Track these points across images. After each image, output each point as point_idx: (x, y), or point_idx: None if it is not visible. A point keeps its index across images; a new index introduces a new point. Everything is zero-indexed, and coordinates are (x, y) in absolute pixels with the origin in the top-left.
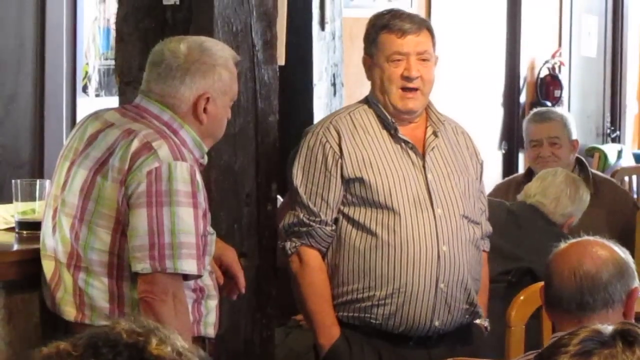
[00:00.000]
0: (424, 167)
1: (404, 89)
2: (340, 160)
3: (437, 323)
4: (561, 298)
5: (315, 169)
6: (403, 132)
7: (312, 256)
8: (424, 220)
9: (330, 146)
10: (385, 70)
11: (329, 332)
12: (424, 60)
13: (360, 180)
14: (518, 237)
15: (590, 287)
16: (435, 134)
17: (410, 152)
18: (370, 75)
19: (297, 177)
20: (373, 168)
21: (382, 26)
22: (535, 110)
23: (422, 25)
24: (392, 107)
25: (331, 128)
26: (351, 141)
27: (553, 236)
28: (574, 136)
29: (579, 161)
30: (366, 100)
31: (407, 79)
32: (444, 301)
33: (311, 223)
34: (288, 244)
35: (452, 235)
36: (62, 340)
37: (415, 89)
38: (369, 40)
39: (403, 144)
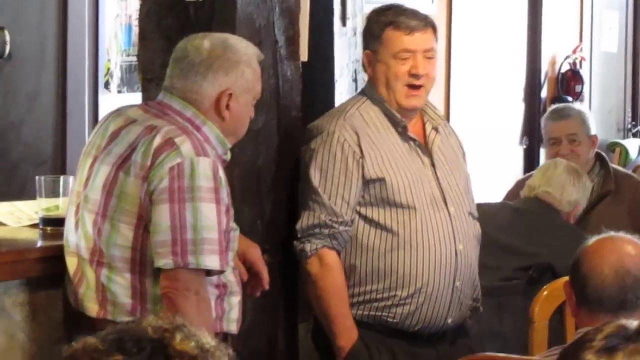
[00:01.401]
0: (432, 165)
1: (410, 86)
2: (361, 161)
3: (449, 320)
4: (602, 297)
5: (335, 169)
6: (410, 129)
7: (332, 258)
8: (441, 219)
9: (349, 145)
10: (391, 67)
11: (349, 334)
12: (429, 57)
13: (382, 181)
14: (527, 233)
15: (634, 285)
16: (436, 129)
17: (418, 150)
18: (372, 71)
19: (315, 178)
20: (393, 168)
21: (387, 22)
22: (552, 107)
23: (428, 22)
24: (397, 104)
25: (347, 127)
26: (368, 141)
27: (564, 229)
28: (593, 132)
29: (599, 157)
30: (365, 95)
31: (415, 76)
32: (457, 299)
33: (334, 225)
34: (308, 246)
35: (465, 233)
36: (90, 336)
37: (420, 86)
38: (372, 36)
39: (411, 142)
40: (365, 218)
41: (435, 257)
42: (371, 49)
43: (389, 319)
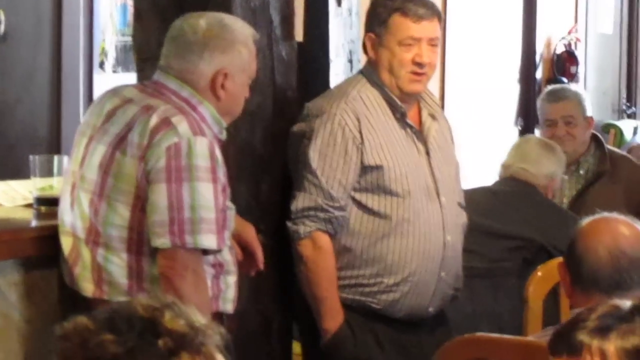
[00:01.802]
0: (427, 153)
1: (414, 72)
2: (361, 146)
3: (431, 309)
4: (596, 277)
5: (334, 153)
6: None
7: (326, 241)
8: (433, 209)
9: (350, 130)
10: (396, 54)
11: (336, 317)
12: (433, 45)
13: (380, 168)
14: (507, 214)
15: (628, 266)
16: (432, 116)
17: (414, 137)
18: (374, 54)
19: (314, 160)
20: (392, 155)
21: (395, 8)
22: (548, 89)
23: (435, 10)
24: (399, 89)
25: (349, 111)
26: (368, 127)
27: (543, 205)
28: (589, 113)
29: (595, 138)
30: (364, 76)
31: (419, 65)
32: (441, 289)
33: (329, 209)
34: (302, 228)
35: (454, 224)
36: (82, 316)
37: (423, 73)
38: (377, 20)
39: (408, 129)
40: (359, 203)
41: (424, 247)
42: (375, 33)
43: (372, 305)
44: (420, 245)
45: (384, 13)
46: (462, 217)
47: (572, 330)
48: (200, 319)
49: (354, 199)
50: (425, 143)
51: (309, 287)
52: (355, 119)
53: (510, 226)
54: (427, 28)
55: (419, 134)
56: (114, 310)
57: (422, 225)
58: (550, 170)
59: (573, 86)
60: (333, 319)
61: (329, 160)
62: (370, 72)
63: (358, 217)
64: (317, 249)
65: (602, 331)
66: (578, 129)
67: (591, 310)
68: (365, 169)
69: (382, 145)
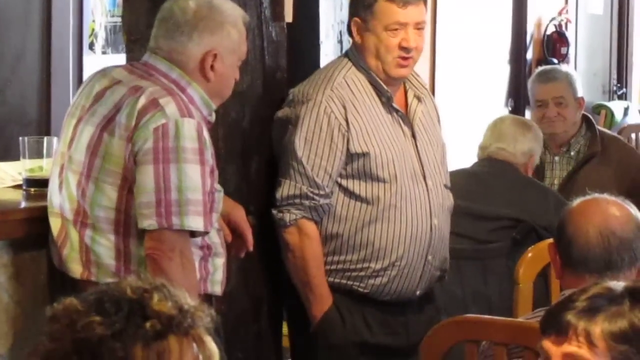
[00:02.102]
0: (413, 136)
1: (400, 57)
2: (347, 134)
3: (418, 292)
4: (587, 258)
5: (320, 140)
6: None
7: (312, 229)
8: (419, 193)
9: (336, 117)
10: (382, 39)
11: (324, 301)
12: (419, 29)
13: (366, 155)
14: (487, 195)
15: (618, 246)
16: (418, 98)
17: (400, 120)
18: (360, 38)
19: (300, 148)
20: (378, 141)
21: None
22: (539, 69)
23: None
24: (385, 74)
25: (335, 98)
26: (354, 113)
27: (523, 182)
28: (580, 94)
29: (586, 119)
30: (349, 59)
31: (405, 49)
32: (428, 272)
33: (315, 197)
34: (287, 216)
35: (440, 207)
36: (71, 297)
37: (410, 57)
38: (362, 5)
39: (394, 113)
40: (345, 190)
41: (411, 232)
42: (361, 17)
43: (359, 289)
44: (407, 229)
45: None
46: (449, 199)
47: (562, 310)
48: (189, 301)
49: (340, 185)
50: (411, 126)
51: (297, 273)
52: (342, 105)
53: (492, 207)
54: (413, 13)
55: (405, 117)
56: (103, 292)
57: (408, 209)
58: (527, 147)
59: (564, 67)
60: (321, 304)
61: (314, 148)
62: (356, 56)
63: (345, 203)
64: (303, 236)
65: (590, 312)
66: (569, 109)
67: (583, 291)
68: (351, 156)
69: (369, 132)
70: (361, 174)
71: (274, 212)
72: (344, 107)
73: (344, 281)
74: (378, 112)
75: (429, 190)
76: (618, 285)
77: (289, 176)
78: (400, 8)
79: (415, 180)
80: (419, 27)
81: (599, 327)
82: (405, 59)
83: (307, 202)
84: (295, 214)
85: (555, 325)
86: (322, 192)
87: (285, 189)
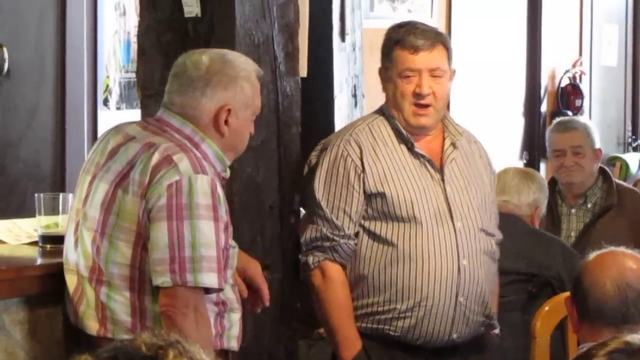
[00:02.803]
0: (442, 179)
1: (417, 105)
2: (362, 175)
3: (455, 335)
4: (603, 310)
5: (337, 183)
6: (420, 144)
7: (335, 271)
8: (445, 234)
9: (352, 160)
10: (398, 86)
11: (352, 346)
12: (436, 76)
13: (382, 195)
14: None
15: (635, 299)
16: (454, 145)
17: (427, 165)
18: (384, 87)
19: (319, 191)
20: (395, 182)
21: (396, 41)
22: (558, 119)
23: (436, 40)
24: (405, 122)
25: (352, 141)
26: (372, 155)
27: (532, 235)
28: (597, 145)
29: (602, 170)
30: (382, 111)
31: (419, 96)
32: (462, 314)
33: (335, 237)
34: (311, 259)
35: (472, 249)
36: (86, 353)
37: (427, 105)
38: (384, 53)
39: (421, 158)
40: (368, 232)
41: (435, 271)
42: (384, 66)
43: (390, 332)
44: (430, 269)
45: (388, 46)
46: (486, 243)
47: None
48: (204, 357)
49: (364, 228)
50: (441, 170)
51: (323, 317)
52: (358, 147)
53: (500, 261)
54: (425, 59)
55: (433, 162)
56: (118, 349)
57: (432, 249)
58: (532, 198)
59: (581, 118)
60: (348, 348)
61: (332, 190)
62: (386, 106)
63: (369, 245)
64: (326, 278)
65: None
66: (586, 159)
67: (602, 345)
68: (369, 197)
69: (386, 173)
70: (381, 215)
71: (300, 257)
72: (360, 149)
73: (374, 325)
74: (400, 156)
75: (457, 231)
76: (636, 338)
77: (311, 220)
78: (411, 54)
79: (441, 221)
80: (435, 74)
81: None
82: (421, 106)
83: (327, 244)
84: (318, 256)
85: None
86: (342, 233)
87: (308, 233)
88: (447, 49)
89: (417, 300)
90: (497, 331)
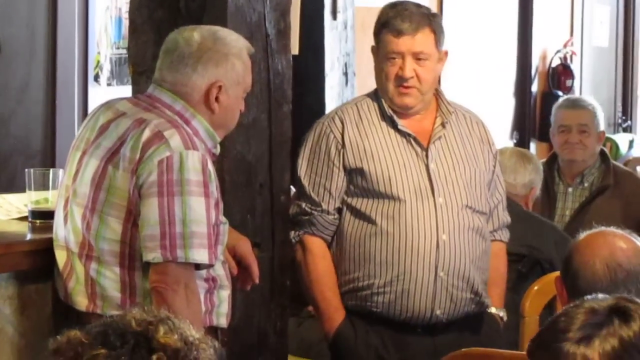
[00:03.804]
0: (426, 156)
1: (400, 86)
2: (342, 150)
3: (438, 312)
4: (593, 290)
5: (319, 160)
6: (408, 123)
7: (315, 244)
8: (424, 209)
9: (334, 136)
10: (383, 67)
11: (333, 317)
12: (420, 59)
13: (361, 171)
14: None
15: (625, 279)
16: (443, 124)
17: (413, 142)
18: (374, 66)
19: (302, 168)
20: (375, 158)
21: (383, 23)
22: (567, 96)
23: (422, 24)
24: (390, 102)
25: (336, 118)
26: (354, 131)
27: (524, 219)
28: (602, 128)
29: (601, 152)
30: (375, 91)
31: (401, 79)
32: (444, 290)
33: (312, 211)
34: (292, 233)
35: (453, 224)
36: (75, 330)
37: (411, 87)
38: (375, 33)
39: (406, 136)
40: (351, 208)
41: (412, 245)
42: (374, 46)
43: (372, 307)
44: (407, 243)
45: (377, 27)
46: (471, 220)
47: (557, 341)
48: (194, 333)
49: (347, 204)
50: (426, 148)
51: (305, 290)
52: (340, 124)
53: None
54: (408, 42)
55: (418, 139)
56: (108, 325)
57: (409, 224)
58: (528, 179)
59: (590, 99)
60: (331, 319)
61: (314, 167)
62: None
63: (350, 220)
64: (306, 252)
65: (586, 340)
66: (590, 139)
67: (570, 319)
68: (349, 173)
69: (366, 149)
70: (361, 191)
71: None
72: (343, 125)
73: (357, 302)
74: (384, 134)
75: (438, 206)
76: (600, 305)
77: (295, 197)
78: (395, 37)
79: (421, 197)
80: (418, 57)
81: (596, 352)
82: (405, 87)
83: (305, 217)
84: (297, 230)
85: (554, 357)
86: (319, 208)
87: (292, 209)
88: (435, 31)
89: (395, 274)
90: (501, 314)
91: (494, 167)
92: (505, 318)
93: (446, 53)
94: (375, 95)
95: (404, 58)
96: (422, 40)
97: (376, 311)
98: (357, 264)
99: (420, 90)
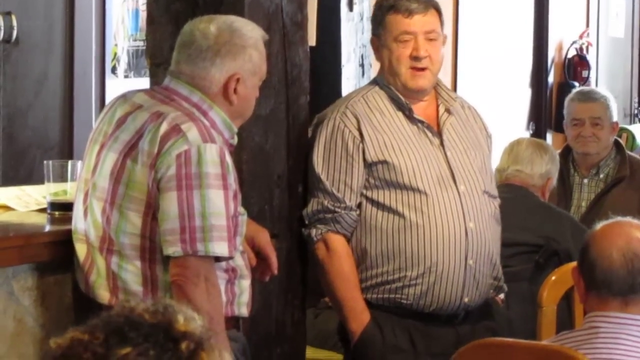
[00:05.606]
0: (442, 144)
1: (413, 68)
2: (361, 145)
3: (466, 299)
4: (610, 281)
5: (337, 155)
6: (416, 111)
7: (339, 242)
8: (449, 198)
9: (350, 131)
10: (393, 51)
11: (360, 317)
12: (431, 39)
13: (384, 163)
14: (504, 221)
15: None
16: (448, 111)
17: (427, 131)
18: (378, 56)
19: (318, 165)
20: (395, 150)
21: (389, 7)
22: (579, 89)
23: (429, 4)
24: (403, 86)
25: (348, 113)
26: (370, 124)
27: (541, 210)
28: (615, 118)
29: (616, 143)
30: (376, 82)
31: (416, 58)
32: (472, 277)
33: (337, 209)
34: (314, 231)
35: (477, 211)
36: (75, 330)
37: (424, 68)
38: (376, 22)
39: (419, 124)
40: (372, 201)
41: (443, 236)
42: (376, 35)
43: (402, 300)
44: (438, 234)
45: (380, 14)
46: (490, 206)
47: None
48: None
49: (367, 197)
50: (440, 135)
51: (329, 290)
52: (354, 118)
53: (509, 233)
54: (420, 21)
55: (432, 127)
56: (116, 321)
57: (438, 214)
58: (544, 169)
59: (602, 90)
60: (357, 319)
61: (332, 163)
62: (379, 76)
63: (373, 214)
64: (330, 250)
65: None
66: (604, 131)
67: None
68: (370, 166)
69: (386, 142)
70: (384, 183)
71: (303, 230)
72: (357, 120)
73: (385, 295)
74: (399, 124)
75: (461, 195)
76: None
77: (313, 194)
78: (405, 18)
79: (444, 186)
80: (429, 37)
81: None
82: (418, 69)
83: (329, 215)
84: (320, 228)
85: None
86: (343, 205)
87: (310, 206)
88: (439, 13)
89: (427, 266)
90: (502, 296)
91: (490, 149)
92: (503, 299)
93: (446, 37)
94: (380, 85)
95: (416, 38)
96: (431, 19)
97: (405, 304)
98: (386, 257)
99: (432, 71)
